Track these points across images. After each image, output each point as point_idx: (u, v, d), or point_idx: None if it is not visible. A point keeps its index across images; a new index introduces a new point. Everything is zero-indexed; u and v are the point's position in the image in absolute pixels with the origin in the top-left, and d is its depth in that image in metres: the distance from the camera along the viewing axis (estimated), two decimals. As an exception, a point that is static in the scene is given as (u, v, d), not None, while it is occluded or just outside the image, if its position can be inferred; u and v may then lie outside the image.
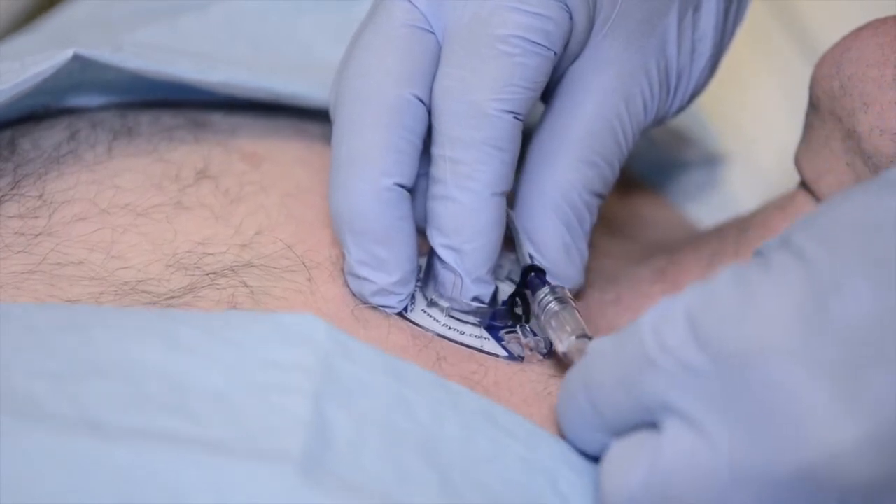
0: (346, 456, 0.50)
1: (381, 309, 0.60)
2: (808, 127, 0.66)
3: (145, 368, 0.51)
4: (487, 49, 0.58)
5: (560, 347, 0.58)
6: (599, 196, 0.63)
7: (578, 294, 0.65)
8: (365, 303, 0.60)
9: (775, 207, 0.68)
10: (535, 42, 0.58)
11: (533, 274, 0.61)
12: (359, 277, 0.60)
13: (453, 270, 0.60)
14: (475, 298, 0.60)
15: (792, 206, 0.67)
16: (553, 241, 0.62)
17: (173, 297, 0.58)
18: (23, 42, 0.80)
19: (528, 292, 0.61)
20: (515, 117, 0.58)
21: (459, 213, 0.58)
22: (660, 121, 0.65)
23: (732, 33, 0.67)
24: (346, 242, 0.59)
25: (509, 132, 0.58)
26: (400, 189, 0.58)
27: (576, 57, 0.62)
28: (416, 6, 0.59)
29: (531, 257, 0.62)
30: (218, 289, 0.59)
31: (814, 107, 0.65)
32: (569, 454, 0.55)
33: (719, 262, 0.68)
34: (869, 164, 0.62)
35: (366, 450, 0.51)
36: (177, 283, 0.59)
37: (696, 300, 0.49)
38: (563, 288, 0.61)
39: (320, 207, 0.65)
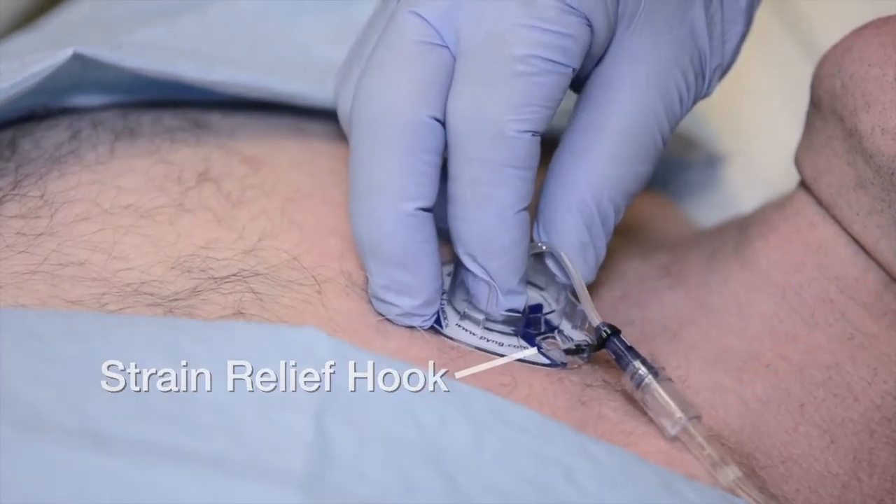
0: (350, 470, 0.50)
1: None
2: (810, 126, 0.66)
3: (147, 380, 0.51)
4: (504, 68, 0.56)
5: (669, 431, 0.58)
6: (631, 196, 0.62)
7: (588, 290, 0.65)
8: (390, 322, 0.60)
9: (774, 207, 0.68)
10: (553, 61, 0.57)
11: (614, 342, 0.60)
12: (383, 301, 0.59)
13: (487, 283, 0.59)
14: (510, 310, 0.60)
15: (791, 206, 0.67)
16: (570, 238, 0.61)
17: (177, 300, 0.58)
18: (22, 42, 0.80)
19: (610, 354, 0.60)
20: (534, 135, 0.57)
21: (483, 233, 0.58)
22: (694, 104, 0.64)
23: (758, 4, 0.65)
24: (368, 267, 0.59)
25: (529, 151, 0.57)
26: (422, 213, 0.58)
27: (598, 57, 0.61)
28: (427, 21, 0.58)
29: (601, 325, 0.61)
30: (223, 293, 0.59)
31: (815, 106, 0.65)
32: (586, 444, 0.55)
33: (720, 259, 0.68)
34: (870, 163, 0.62)
35: (370, 462, 0.51)
36: (181, 285, 0.59)
37: None
38: (654, 359, 0.60)
39: (322, 213, 0.65)
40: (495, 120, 0.56)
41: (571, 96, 0.62)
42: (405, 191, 0.57)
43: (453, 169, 0.58)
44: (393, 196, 0.57)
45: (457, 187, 0.58)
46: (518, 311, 0.60)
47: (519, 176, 0.57)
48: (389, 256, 0.58)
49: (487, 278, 0.59)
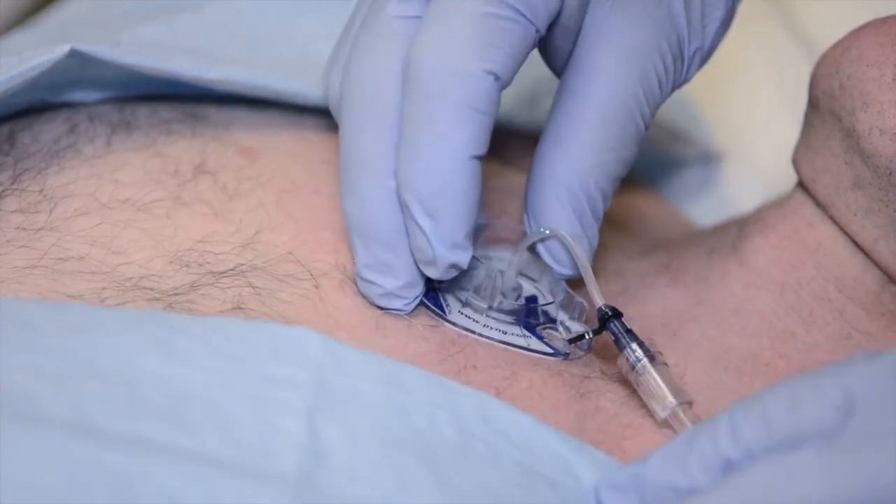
0: (343, 471, 0.50)
1: (403, 316, 0.60)
2: (808, 126, 0.66)
3: (143, 375, 0.51)
4: (472, 8, 0.56)
5: (659, 414, 0.59)
6: (616, 180, 0.62)
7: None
8: (373, 305, 0.60)
9: (772, 207, 0.68)
10: (518, 10, 0.56)
11: (614, 323, 0.60)
12: (366, 280, 0.59)
13: (425, 234, 0.57)
14: (452, 265, 0.58)
15: (788, 206, 0.67)
16: (562, 229, 0.61)
17: (177, 294, 0.58)
18: (21, 39, 0.80)
19: (609, 336, 0.60)
20: (496, 79, 0.56)
21: (435, 176, 0.56)
22: (675, 89, 0.64)
23: None
24: (354, 245, 0.59)
25: (489, 94, 0.56)
26: None
27: (574, 34, 0.61)
28: None
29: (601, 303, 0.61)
30: (222, 288, 0.59)
31: (813, 106, 0.66)
32: (568, 457, 0.55)
33: (718, 257, 0.68)
34: (868, 163, 0.62)
35: (363, 461, 0.51)
36: (180, 280, 0.59)
37: None
38: (650, 341, 0.60)
39: (317, 204, 0.65)
40: (459, 56, 0.56)
41: (552, 90, 0.62)
42: (390, 169, 0.57)
43: (409, 108, 0.57)
44: (378, 173, 0.57)
45: (411, 126, 0.57)
46: (462, 269, 0.59)
47: (476, 119, 0.56)
48: (374, 234, 0.58)
49: (430, 226, 0.57)
